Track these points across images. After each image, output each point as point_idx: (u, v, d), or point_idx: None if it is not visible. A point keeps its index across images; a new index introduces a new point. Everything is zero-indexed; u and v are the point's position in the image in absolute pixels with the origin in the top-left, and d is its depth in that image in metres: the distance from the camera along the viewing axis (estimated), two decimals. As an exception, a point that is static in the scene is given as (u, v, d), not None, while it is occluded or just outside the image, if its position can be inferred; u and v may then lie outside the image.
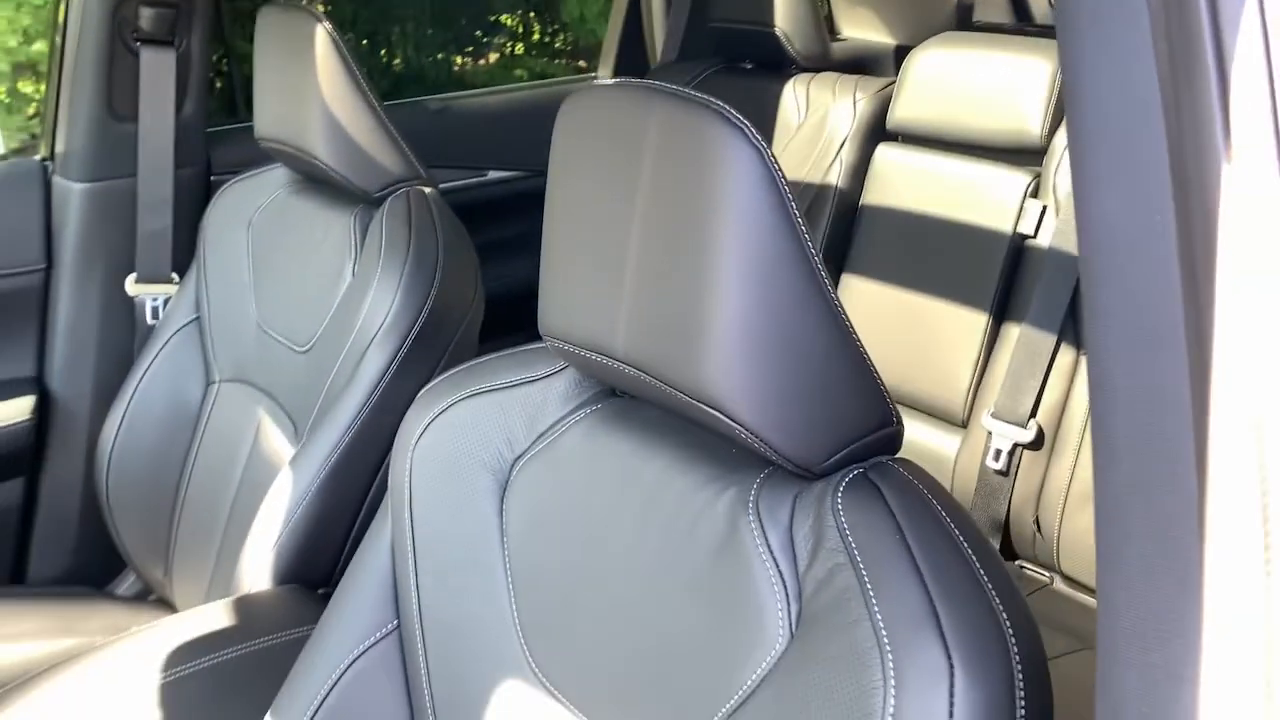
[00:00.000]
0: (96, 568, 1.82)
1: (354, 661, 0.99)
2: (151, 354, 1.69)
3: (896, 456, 0.78)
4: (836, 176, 1.88)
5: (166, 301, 1.80)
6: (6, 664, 1.48)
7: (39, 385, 1.80)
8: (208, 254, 1.69)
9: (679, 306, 0.72)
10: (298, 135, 1.49)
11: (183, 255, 1.79)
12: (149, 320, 1.81)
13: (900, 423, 0.78)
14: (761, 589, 0.74)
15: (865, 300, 1.87)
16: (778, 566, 0.74)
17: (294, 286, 1.58)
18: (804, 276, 0.70)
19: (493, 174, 2.35)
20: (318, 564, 1.39)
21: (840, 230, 1.89)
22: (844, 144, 1.88)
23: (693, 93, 0.71)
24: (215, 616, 1.28)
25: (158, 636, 1.24)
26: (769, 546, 0.74)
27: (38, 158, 1.82)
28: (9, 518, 1.80)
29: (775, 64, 2.04)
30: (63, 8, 1.76)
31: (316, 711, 0.98)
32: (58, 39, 1.78)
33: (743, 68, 2.12)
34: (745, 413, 0.71)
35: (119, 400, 1.68)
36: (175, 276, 1.82)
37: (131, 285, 1.81)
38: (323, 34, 1.44)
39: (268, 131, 1.56)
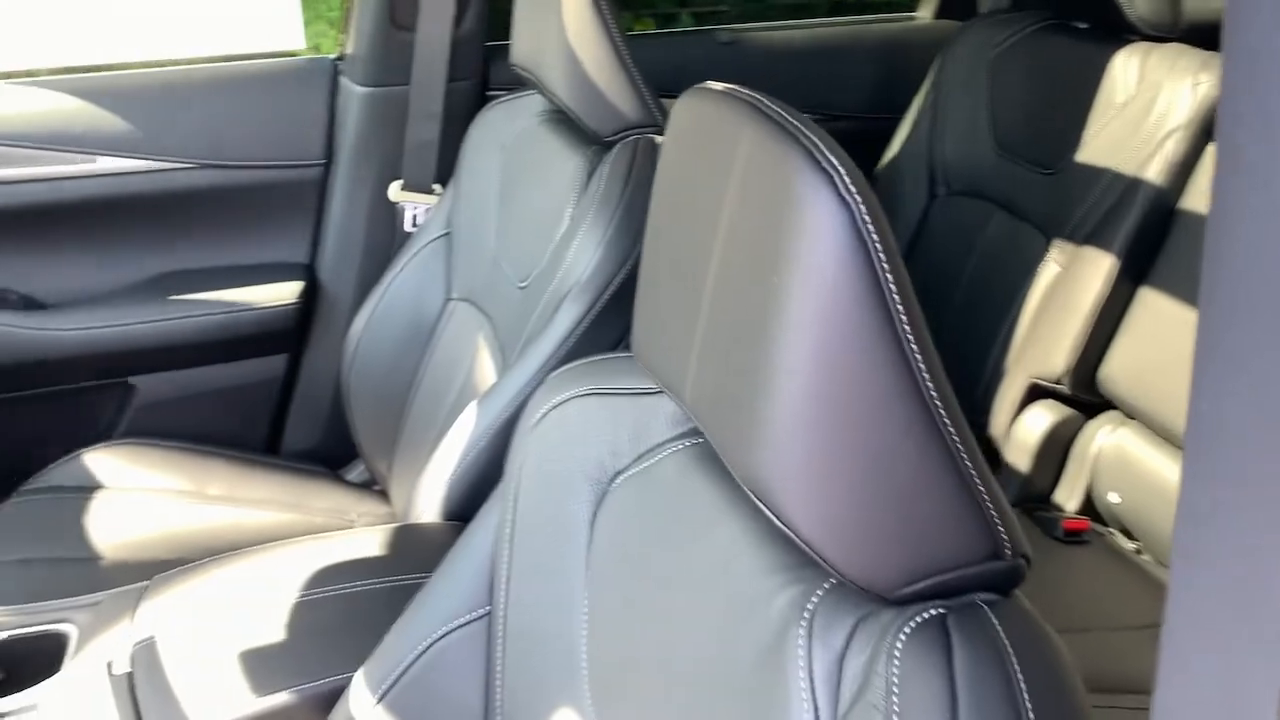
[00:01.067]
0: (337, 452, 1.93)
1: (441, 638, 0.96)
2: (403, 261, 1.73)
3: (1004, 597, 0.61)
4: (1156, 171, 1.58)
5: (427, 211, 1.83)
6: (234, 524, 1.61)
7: (310, 273, 1.91)
8: (464, 172, 1.70)
9: (740, 372, 0.59)
10: (541, 65, 1.44)
11: (449, 168, 1.81)
12: (408, 227, 1.86)
13: (1021, 555, 0.62)
14: (791, 720, 0.62)
15: (1164, 322, 1.58)
16: (815, 703, 0.61)
17: (527, 219, 1.55)
18: (893, 368, 0.55)
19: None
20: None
21: (1148, 236, 1.59)
22: (1172, 133, 1.57)
23: (791, 116, 0.57)
24: (372, 542, 1.30)
25: (311, 551, 1.28)
26: (811, 675, 0.62)
27: (332, 56, 1.89)
28: (271, 390, 1.94)
29: (1113, 27, 1.73)
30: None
31: (398, 679, 0.97)
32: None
33: (1076, 27, 1.82)
34: (799, 516, 0.58)
35: (369, 300, 1.74)
36: (438, 188, 1.85)
37: (395, 191, 1.86)
38: None
39: (520, 58, 1.52)
